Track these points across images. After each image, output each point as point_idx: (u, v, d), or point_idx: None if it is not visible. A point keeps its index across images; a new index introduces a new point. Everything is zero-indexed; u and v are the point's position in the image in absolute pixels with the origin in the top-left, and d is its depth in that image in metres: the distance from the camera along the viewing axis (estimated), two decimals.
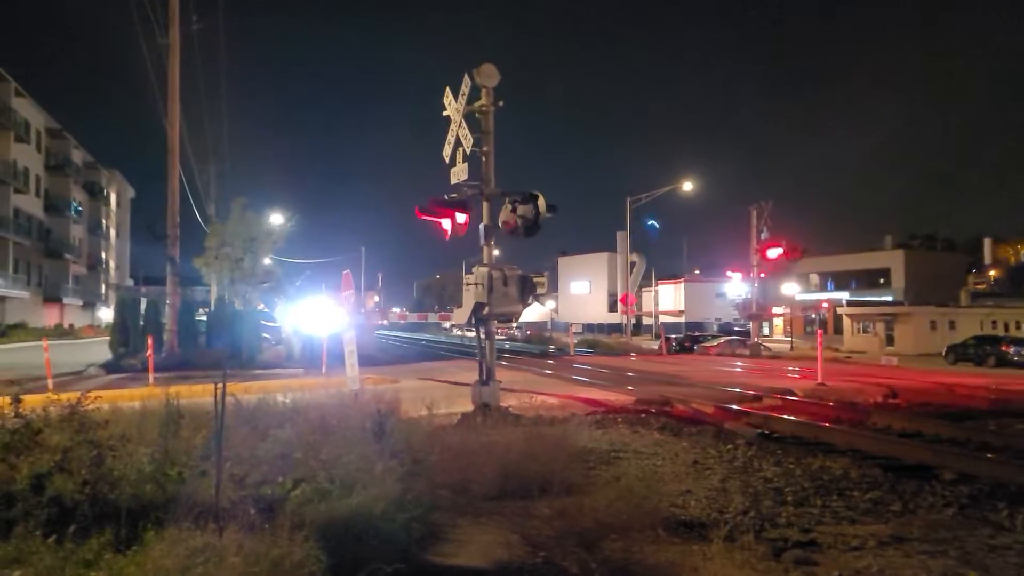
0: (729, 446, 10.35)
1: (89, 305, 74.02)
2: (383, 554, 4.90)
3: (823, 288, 70.18)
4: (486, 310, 11.90)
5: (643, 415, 13.27)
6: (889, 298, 60.60)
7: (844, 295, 62.52)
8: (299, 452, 6.67)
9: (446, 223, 12.10)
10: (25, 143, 58.09)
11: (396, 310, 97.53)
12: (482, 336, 12.48)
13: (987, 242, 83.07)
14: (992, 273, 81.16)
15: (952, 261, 73.64)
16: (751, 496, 7.56)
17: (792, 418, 12.42)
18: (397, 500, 5.73)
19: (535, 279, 12.24)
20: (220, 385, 5.55)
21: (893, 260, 66.83)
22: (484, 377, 12.21)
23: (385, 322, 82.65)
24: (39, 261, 61.73)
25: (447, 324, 68.28)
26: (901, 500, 7.43)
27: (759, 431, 11.35)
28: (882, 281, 66.49)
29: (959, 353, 36.37)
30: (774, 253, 39.43)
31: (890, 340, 46.70)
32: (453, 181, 12.53)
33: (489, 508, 6.76)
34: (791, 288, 58.63)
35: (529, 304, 12.60)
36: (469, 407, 12.01)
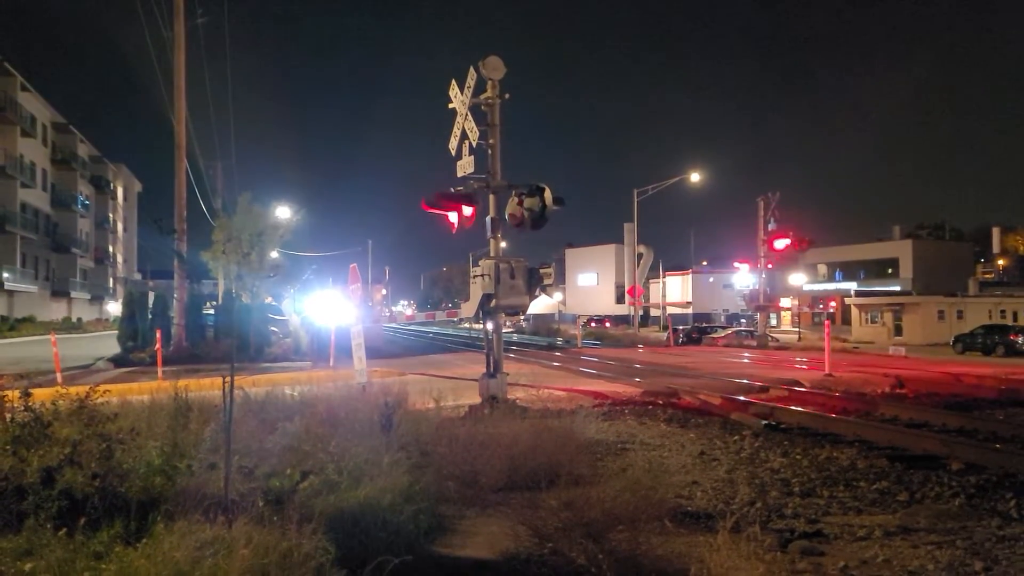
0: (736, 437, 10.36)
1: (97, 299, 74.42)
2: (391, 546, 4.93)
3: (831, 278, 70.02)
4: (493, 302, 11.90)
5: (650, 406, 13.29)
6: (897, 288, 60.42)
7: (852, 285, 62.38)
8: (307, 444, 6.71)
9: (453, 216, 12.10)
10: (31, 138, 58.29)
11: (404, 309, 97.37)
12: (489, 328, 12.48)
13: (995, 231, 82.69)
14: (1000, 262, 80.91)
15: (960, 251, 73.37)
16: (758, 487, 7.57)
17: (799, 409, 12.41)
18: (405, 492, 5.75)
19: (542, 271, 12.25)
20: (228, 378, 5.59)
21: (901, 250, 66.68)
22: (491, 369, 12.23)
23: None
24: (46, 255, 61.99)
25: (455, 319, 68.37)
26: (908, 490, 7.43)
27: (766, 422, 11.35)
28: (890, 271, 66.35)
29: (967, 343, 36.24)
30: (781, 244, 39.38)
31: (898, 330, 46.56)
32: (459, 174, 12.52)
33: (496, 499, 6.79)
34: (799, 279, 58.46)
35: (536, 296, 12.59)
36: (476, 399, 12.03)
